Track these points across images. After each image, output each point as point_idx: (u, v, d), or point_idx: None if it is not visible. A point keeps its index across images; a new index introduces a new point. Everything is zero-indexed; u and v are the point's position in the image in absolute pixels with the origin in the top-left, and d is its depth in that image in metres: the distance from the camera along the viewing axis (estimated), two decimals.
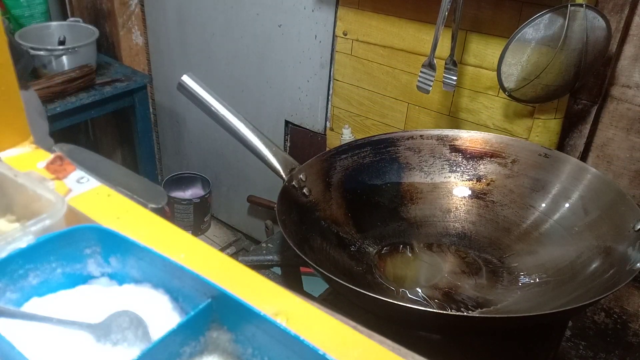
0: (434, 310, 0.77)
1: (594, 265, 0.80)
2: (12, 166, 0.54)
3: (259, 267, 0.94)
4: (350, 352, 0.41)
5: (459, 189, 1.00)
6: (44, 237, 0.44)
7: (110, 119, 2.16)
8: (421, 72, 1.13)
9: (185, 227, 1.76)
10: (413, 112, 1.37)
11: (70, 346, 0.41)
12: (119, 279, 0.48)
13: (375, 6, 1.32)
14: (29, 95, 1.17)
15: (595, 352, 1.36)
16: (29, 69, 1.63)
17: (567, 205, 0.91)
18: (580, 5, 0.96)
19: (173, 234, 0.51)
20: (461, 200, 1.00)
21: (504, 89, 1.07)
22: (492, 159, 0.99)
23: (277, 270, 0.97)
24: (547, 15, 0.98)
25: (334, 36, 1.45)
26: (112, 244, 0.46)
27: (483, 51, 1.19)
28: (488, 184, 0.99)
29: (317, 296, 0.93)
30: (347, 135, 1.43)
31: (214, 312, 0.42)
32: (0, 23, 0.54)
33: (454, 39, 1.12)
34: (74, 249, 0.46)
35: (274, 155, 0.89)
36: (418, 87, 1.15)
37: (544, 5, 1.01)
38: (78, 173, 0.58)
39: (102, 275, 0.48)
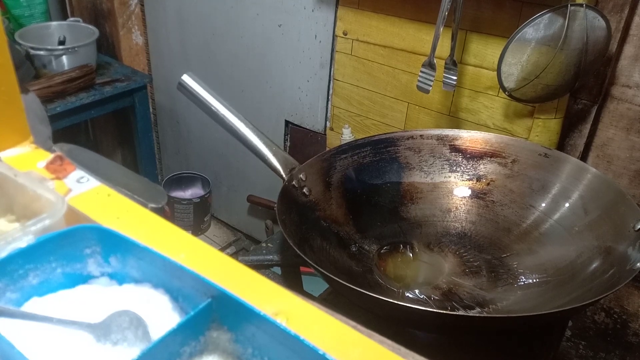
0: (434, 310, 0.77)
1: (594, 265, 0.80)
2: (12, 166, 0.54)
3: (259, 267, 0.94)
4: (350, 352, 0.41)
5: (459, 188, 1.00)
6: (44, 237, 0.44)
7: (110, 119, 2.16)
8: (421, 72, 1.13)
9: (185, 227, 1.76)
10: (413, 112, 1.37)
11: (70, 346, 0.41)
12: (119, 279, 0.47)
13: (375, 6, 1.32)
14: (29, 100, 1.16)
15: (595, 352, 1.36)
16: (30, 76, 1.63)
17: (567, 205, 0.91)
18: (580, 5, 0.96)
19: (173, 234, 0.51)
20: (461, 200, 1.00)
21: (504, 89, 1.07)
22: (492, 159, 0.99)
23: (277, 270, 0.97)
24: (547, 15, 0.98)
25: (334, 36, 1.45)
26: (112, 243, 0.46)
27: (483, 51, 1.19)
28: (488, 184, 0.99)
29: (317, 296, 0.93)
30: (347, 135, 1.43)
31: (214, 312, 0.42)
32: (0, 23, 0.54)
33: (454, 38, 1.12)
34: (74, 248, 0.46)
35: (274, 155, 0.89)
36: (418, 87, 1.15)
37: (544, 5, 1.01)
38: (78, 173, 0.58)
39: (102, 275, 0.48)
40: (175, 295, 0.45)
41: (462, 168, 1.01)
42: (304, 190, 0.91)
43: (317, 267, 0.72)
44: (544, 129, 1.17)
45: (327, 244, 0.89)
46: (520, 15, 1.11)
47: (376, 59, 1.38)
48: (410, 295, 0.85)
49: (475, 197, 0.99)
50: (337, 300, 0.89)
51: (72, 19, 1.94)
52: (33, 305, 0.44)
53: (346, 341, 0.42)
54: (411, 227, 0.98)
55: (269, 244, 0.97)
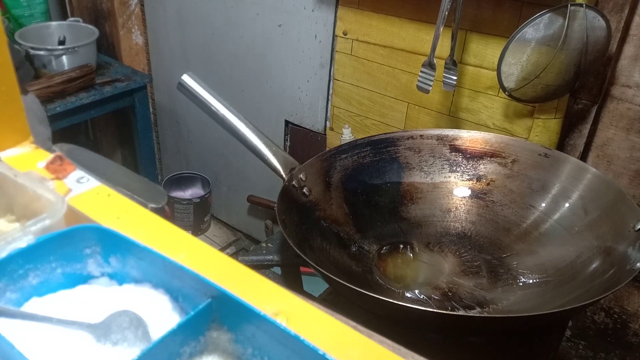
0: (434, 310, 0.77)
1: (594, 265, 0.80)
2: (12, 166, 0.54)
3: (259, 267, 0.94)
4: (350, 352, 0.41)
5: (459, 188, 1.00)
6: (44, 237, 0.44)
7: (110, 119, 2.16)
8: (421, 71, 1.13)
9: (185, 227, 1.76)
10: (413, 112, 1.37)
11: (70, 346, 0.41)
12: (119, 279, 0.47)
13: (375, 6, 1.32)
14: (29, 101, 1.16)
15: (595, 352, 1.36)
16: (29, 77, 1.63)
17: (567, 205, 0.91)
18: (580, 5, 0.96)
19: (173, 234, 0.51)
20: (461, 200, 1.00)
21: (504, 89, 1.07)
22: (492, 159, 0.99)
23: (277, 270, 0.97)
24: (547, 15, 0.98)
25: (334, 36, 1.45)
26: (112, 244, 0.46)
27: (483, 51, 1.19)
28: (488, 184, 0.99)
29: (317, 296, 0.93)
30: (347, 135, 1.43)
31: (214, 312, 0.42)
32: (0, 23, 0.54)
33: (454, 38, 1.12)
34: (74, 249, 0.46)
35: (274, 154, 0.89)
36: (418, 86, 1.15)
37: (544, 5, 1.01)
38: (78, 173, 0.58)
39: (102, 275, 0.48)
40: (175, 295, 0.45)
41: (462, 168, 1.01)
42: (304, 190, 0.91)
43: (317, 267, 0.72)
44: (544, 129, 1.17)
45: (327, 244, 0.89)
46: (520, 15, 1.11)
47: (376, 59, 1.38)
48: (410, 296, 0.85)
49: (475, 197, 0.99)
50: (337, 300, 0.89)
51: (72, 19, 1.94)
52: (33, 305, 0.44)
53: (346, 341, 0.42)
54: (411, 227, 0.98)
55: (269, 244, 0.97)
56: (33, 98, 1.22)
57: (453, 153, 1.01)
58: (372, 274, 0.89)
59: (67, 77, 1.66)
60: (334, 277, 0.69)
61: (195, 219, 2.09)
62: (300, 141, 1.71)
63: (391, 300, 0.67)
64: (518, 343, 0.82)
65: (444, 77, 1.16)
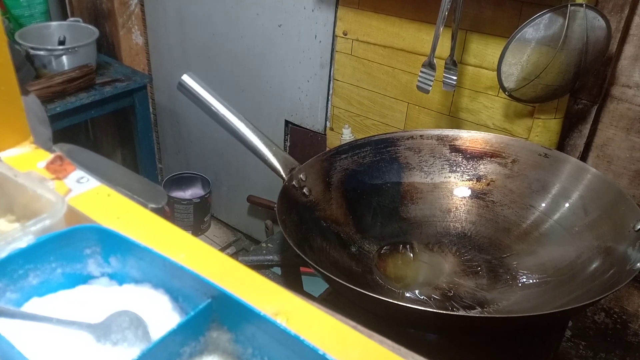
0: (434, 310, 0.77)
1: (594, 265, 0.80)
2: (12, 166, 0.54)
3: (259, 267, 0.94)
4: (350, 352, 0.41)
5: (459, 189, 1.00)
6: (44, 237, 0.44)
7: (110, 119, 2.16)
8: (421, 72, 1.13)
9: (185, 227, 1.75)
10: (413, 112, 1.37)
11: (70, 346, 0.41)
12: (119, 279, 0.47)
13: (375, 6, 1.32)
14: (29, 101, 1.16)
15: (595, 352, 1.36)
16: (30, 77, 1.63)
17: (567, 205, 0.91)
18: (580, 5, 0.96)
19: (173, 234, 0.51)
20: (461, 200, 1.00)
21: (504, 89, 1.07)
22: (492, 159, 0.99)
23: (277, 270, 0.97)
24: (547, 15, 0.98)
25: (334, 36, 1.45)
26: (112, 244, 0.46)
27: (483, 51, 1.19)
28: (488, 184, 0.99)
29: (317, 296, 0.92)
30: (347, 135, 1.43)
31: (214, 312, 0.42)
32: (0, 23, 0.54)
33: (454, 38, 1.12)
34: (74, 249, 0.46)
35: (274, 155, 0.89)
36: (418, 87, 1.15)
37: (544, 5, 1.01)
38: (78, 173, 0.58)
39: (102, 275, 0.48)
40: (175, 295, 0.45)
41: (462, 168, 1.01)
42: (304, 190, 0.91)
43: (317, 267, 0.72)
44: (544, 129, 1.17)
45: (327, 244, 0.89)
46: (520, 15, 1.11)
47: (376, 59, 1.38)
48: (410, 296, 0.85)
49: (475, 197, 0.99)
50: (337, 300, 0.89)
51: (72, 19, 1.94)
52: (33, 305, 0.44)
53: (346, 341, 0.42)
54: (411, 227, 0.98)
55: (269, 244, 0.97)
56: (34, 98, 1.22)
57: (453, 153, 1.01)
58: (372, 274, 0.89)
59: (67, 77, 1.66)
60: (334, 277, 0.69)
61: (195, 219, 2.09)
62: (300, 141, 1.71)
63: (391, 300, 0.67)
64: (518, 343, 0.82)
65: (444, 77, 1.16)
